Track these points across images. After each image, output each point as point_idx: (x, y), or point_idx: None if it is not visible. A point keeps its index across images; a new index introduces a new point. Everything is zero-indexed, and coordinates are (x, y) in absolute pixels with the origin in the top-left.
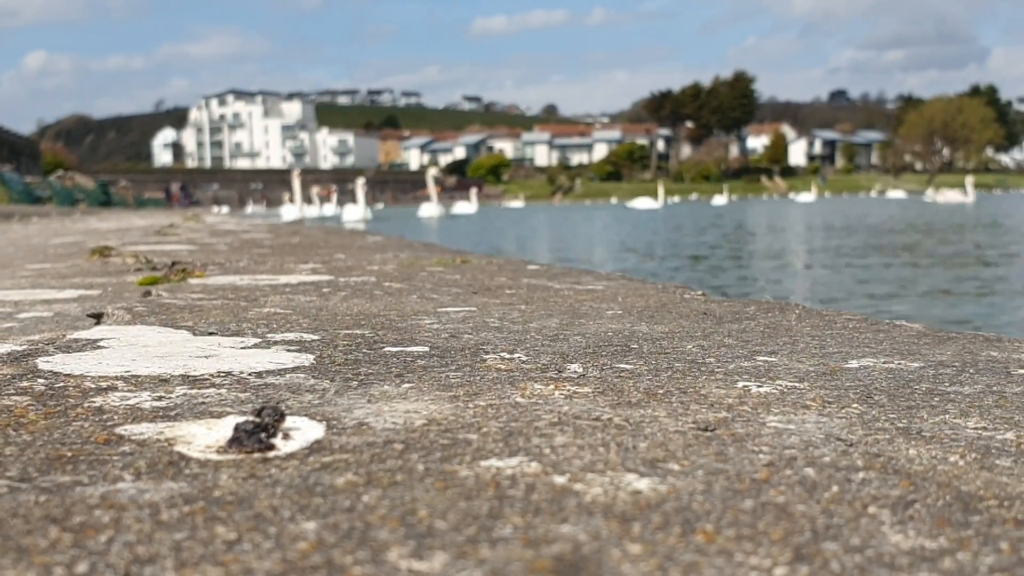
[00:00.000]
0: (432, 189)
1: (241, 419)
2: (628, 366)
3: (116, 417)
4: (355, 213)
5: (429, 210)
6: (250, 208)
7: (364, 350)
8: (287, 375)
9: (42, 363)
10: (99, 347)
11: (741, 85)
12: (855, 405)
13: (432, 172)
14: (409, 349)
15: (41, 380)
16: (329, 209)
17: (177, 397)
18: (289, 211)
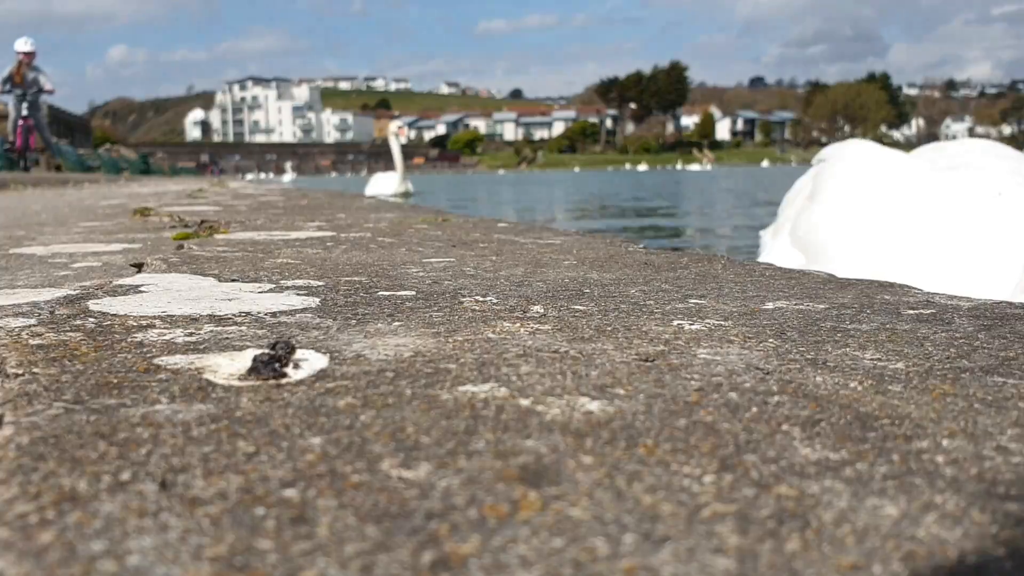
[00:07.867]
0: (397, 155)
1: (259, 351)
2: (582, 307)
3: (154, 350)
4: (286, 178)
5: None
6: (283, 176)
7: (361, 294)
8: (297, 315)
9: (92, 305)
10: (140, 291)
11: (676, 73)
12: (771, 340)
13: (393, 127)
14: (399, 293)
15: (91, 319)
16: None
17: (205, 333)
18: (386, 182)
